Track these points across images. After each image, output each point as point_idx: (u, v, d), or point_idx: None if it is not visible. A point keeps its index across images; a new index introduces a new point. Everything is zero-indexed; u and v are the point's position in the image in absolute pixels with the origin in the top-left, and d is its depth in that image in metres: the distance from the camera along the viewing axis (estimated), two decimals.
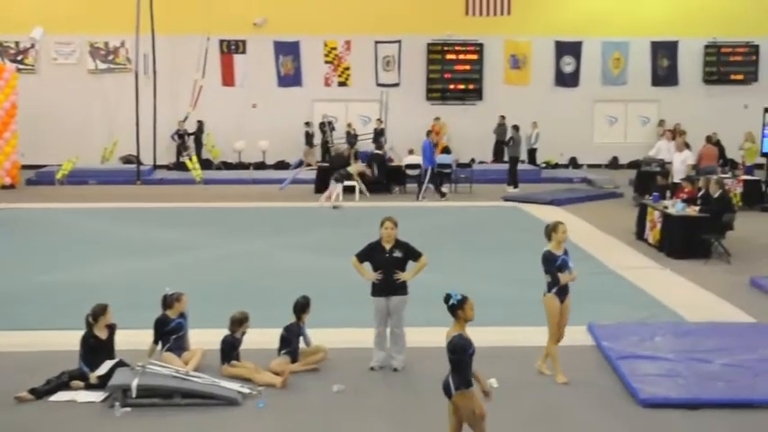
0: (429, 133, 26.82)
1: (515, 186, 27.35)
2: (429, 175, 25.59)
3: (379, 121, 30.84)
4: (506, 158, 29.43)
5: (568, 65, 33.41)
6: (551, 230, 10.28)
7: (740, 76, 33.40)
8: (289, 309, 10.77)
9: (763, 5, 32.83)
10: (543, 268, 10.22)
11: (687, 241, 17.23)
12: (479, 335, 11.82)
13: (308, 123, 31.40)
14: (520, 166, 28.49)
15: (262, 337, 10.86)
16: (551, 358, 10.31)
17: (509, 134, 28.87)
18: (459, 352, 7.66)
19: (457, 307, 7.78)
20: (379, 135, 29.72)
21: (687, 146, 23.02)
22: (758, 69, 33.39)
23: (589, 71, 33.39)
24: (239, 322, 10.49)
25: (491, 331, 12.01)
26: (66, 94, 31.78)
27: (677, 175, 21.58)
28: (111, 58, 32.47)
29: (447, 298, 7.80)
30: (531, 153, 31.99)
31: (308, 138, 31.90)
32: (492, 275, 15.61)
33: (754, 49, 33.25)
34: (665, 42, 33.24)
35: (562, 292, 10.20)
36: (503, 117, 31.99)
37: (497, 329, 12.00)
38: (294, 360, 10.53)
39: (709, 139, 27.61)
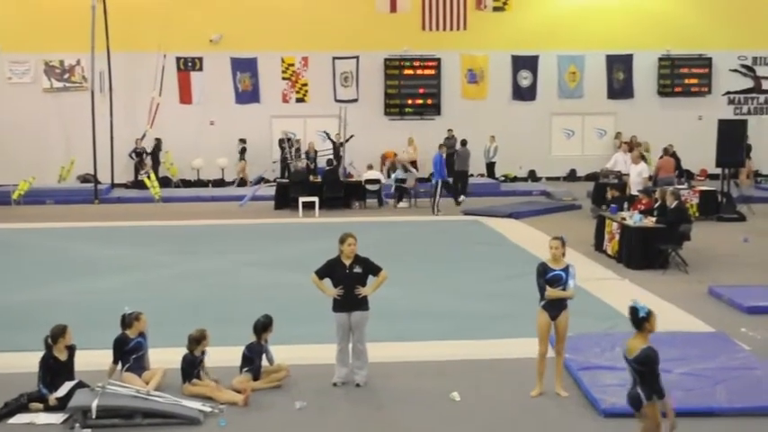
0: (441, 147, 26.63)
1: (458, 198, 27.35)
2: (439, 188, 25.50)
3: (337, 135, 30.89)
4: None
5: (525, 79, 33.64)
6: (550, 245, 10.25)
7: (694, 89, 33.81)
8: (250, 326, 10.73)
9: (716, 18, 33.30)
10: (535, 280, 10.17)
11: (645, 252, 17.40)
12: (432, 349, 11.94)
13: (287, 139, 31.23)
14: (479, 180, 28.57)
15: (223, 355, 10.81)
16: (537, 372, 10.20)
17: (492, 148, 29.01)
18: (651, 363, 7.70)
19: (645, 320, 7.82)
20: (336, 151, 29.82)
21: (643, 158, 23.35)
22: (711, 81, 33.81)
23: (546, 85, 33.63)
24: (197, 340, 10.42)
25: (445, 345, 12.10)
26: (22, 113, 31.41)
27: (634, 186, 21.83)
28: (66, 76, 32.18)
29: (634, 311, 7.82)
30: (490, 167, 32.20)
31: (242, 153, 32.05)
32: (451, 289, 15.66)
33: (706, 62, 33.67)
34: (620, 56, 33.58)
35: (552, 307, 10.02)
36: (450, 131, 32.20)
37: (452, 343, 12.08)
38: (256, 378, 10.49)
39: (666, 151, 27.96)
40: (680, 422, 9.26)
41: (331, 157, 28.54)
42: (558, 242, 10.24)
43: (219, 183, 32.04)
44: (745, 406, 9.65)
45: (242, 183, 31.91)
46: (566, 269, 10.04)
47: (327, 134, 30.28)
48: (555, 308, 10.01)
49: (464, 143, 28.58)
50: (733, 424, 9.39)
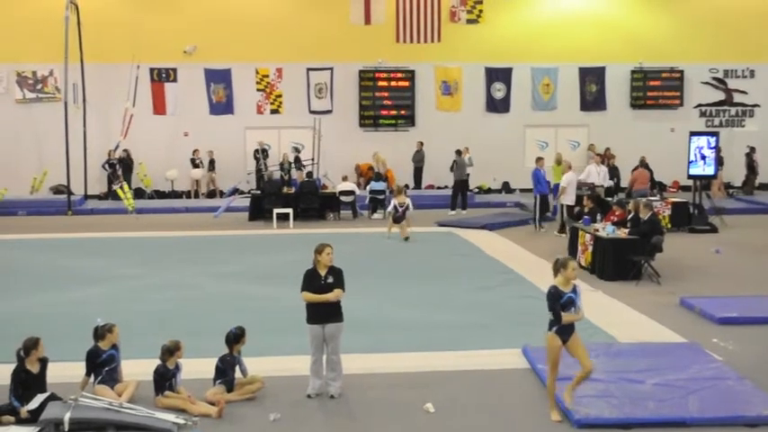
0: (539, 160, 25.67)
1: (453, 209, 27.60)
2: (540, 203, 24.79)
3: (297, 149, 31.01)
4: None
5: (499, 91, 33.78)
6: (560, 266, 9.70)
7: (666, 101, 34.05)
8: (223, 337, 10.70)
9: (687, 32, 33.61)
10: (547, 304, 9.70)
11: (618, 263, 17.50)
12: (406, 360, 11.95)
13: (262, 150, 31.18)
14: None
15: (197, 367, 10.77)
16: (548, 394, 9.96)
17: (466, 158, 29.01)
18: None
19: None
20: (298, 161, 30.05)
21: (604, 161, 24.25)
22: (683, 94, 34.08)
23: (519, 97, 33.78)
24: (170, 351, 10.37)
25: (419, 356, 12.11)
26: None
27: (564, 197, 23.24)
28: (39, 87, 32.02)
29: None
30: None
31: (211, 164, 32.10)
32: (426, 300, 15.66)
33: (678, 74, 33.96)
34: (593, 68, 33.79)
35: (564, 331, 9.67)
36: (421, 143, 32.31)
37: (426, 354, 12.11)
38: (230, 390, 10.46)
39: (641, 163, 28.16)
40: None
41: (311, 169, 28.57)
42: (576, 263, 9.91)
43: (195, 194, 31.99)
44: (718, 416, 9.71)
45: (211, 194, 31.91)
46: (574, 290, 9.72)
47: (297, 148, 30.50)
48: (567, 332, 9.69)
49: (459, 153, 28.55)
50: None
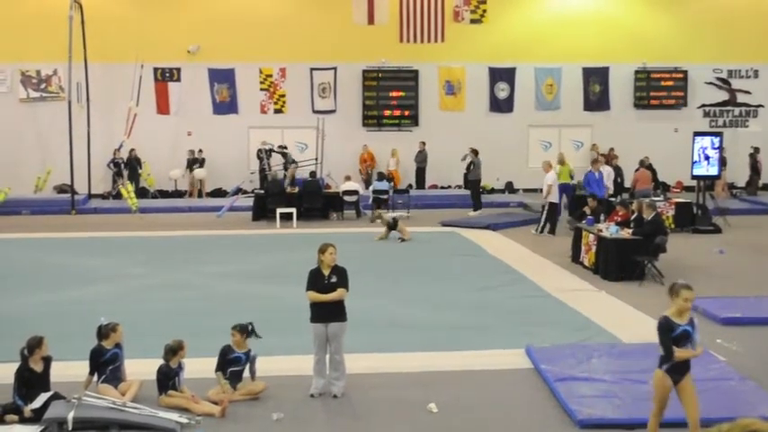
0: (595, 163, 25.46)
1: (476, 210, 27.64)
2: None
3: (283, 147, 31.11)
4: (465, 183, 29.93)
5: (503, 90, 33.76)
6: (672, 293, 8.56)
7: (670, 101, 34.03)
8: (225, 337, 10.70)
9: (691, 32, 33.59)
10: (658, 338, 8.49)
11: (621, 263, 17.49)
12: (410, 360, 11.94)
13: (264, 151, 31.18)
14: (457, 192, 28.67)
15: (200, 366, 10.77)
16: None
17: (468, 159, 28.86)
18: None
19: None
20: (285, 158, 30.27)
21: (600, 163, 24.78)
22: (687, 94, 34.05)
23: (523, 97, 33.76)
24: (174, 351, 10.38)
25: (423, 356, 12.12)
26: None
27: (549, 197, 23.63)
28: (43, 86, 32.05)
29: None
30: (467, 178, 32.26)
31: (191, 163, 32.03)
32: (429, 300, 15.67)
33: (682, 75, 33.92)
34: (597, 68, 33.76)
35: (676, 370, 8.44)
36: (423, 143, 32.29)
37: (429, 354, 12.14)
38: (235, 385, 10.44)
39: (642, 163, 28.13)
40: None
41: (314, 169, 28.59)
42: (692, 293, 8.57)
43: (199, 194, 32.01)
44: (721, 416, 9.68)
45: (198, 194, 31.95)
46: (691, 323, 8.46)
47: (281, 146, 30.62)
48: (679, 371, 8.47)
49: (476, 153, 28.44)
50: None
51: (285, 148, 30.75)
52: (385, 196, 27.47)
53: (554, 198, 23.64)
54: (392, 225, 22.72)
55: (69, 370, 10.64)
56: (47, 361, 10.12)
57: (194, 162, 31.93)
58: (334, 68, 32.98)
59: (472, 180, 28.58)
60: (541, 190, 24.67)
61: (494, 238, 22.91)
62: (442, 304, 15.34)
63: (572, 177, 26.49)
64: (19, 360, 10.07)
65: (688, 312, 8.47)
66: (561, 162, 26.12)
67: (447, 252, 20.97)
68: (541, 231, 23.40)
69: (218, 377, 10.44)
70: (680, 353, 8.32)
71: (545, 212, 23.62)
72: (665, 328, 8.35)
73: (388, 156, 32.51)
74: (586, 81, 33.90)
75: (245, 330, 10.66)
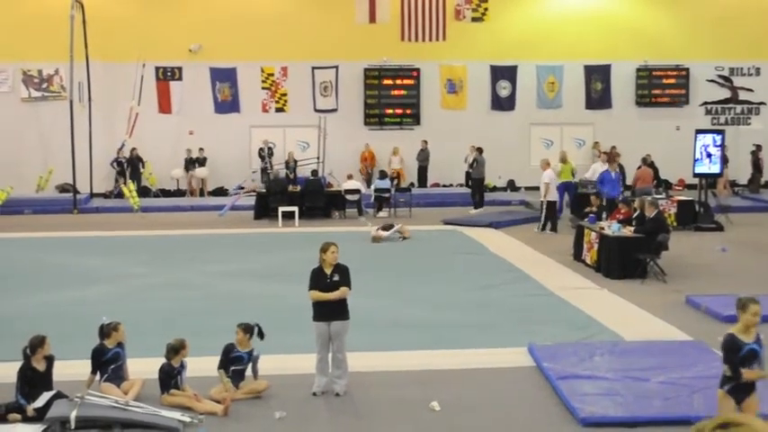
0: (611, 162, 25.28)
1: (476, 208, 27.62)
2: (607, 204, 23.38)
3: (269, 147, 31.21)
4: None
5: (504, 89, 33.74)
6: (739, 308, 8.06)
7: (671, 99, 34.00)
8: (228, 336, 10.71)
9: (693, 29, 33.54)
10: (723, 356, 8.15)
11: (623, 261, 17.48)
12: (412, 359, 11.95)
13: (266, 150, 31.20)
14: (458, 190, 28.66)
15: (202, 365, 10.78)
16: None
17: (471, 157, 28.86)
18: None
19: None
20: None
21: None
22: (688, 92, 34.02)
23: (525, 95, 33.73)
24: (176, 350, 10.40)
25: (425, 354, 12.12)
26: None
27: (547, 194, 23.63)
28: (44, 86, 32.04)
29: None
30: (469, 176, 32.22)
31: (189, 163, 32.00)
32: (431, 298, 15.66)
33: (684, 72, 33.90)
34: (598, 66, 33.73)
35: (740, 390, 8.04)
36: (425, 142, 32.29)
37: (432, 353, 12.14)
38: (237, 384, 10.45)
39: (644, 161, 28.11)
40: (658, 431, 9.36)
41: (315, 167, 28.61)
42: (759, 307, 8.03)
43: (201, 193, 32.01)
44: None
45: (200, 193, 31.94)
46: (758, 340, 7.99)
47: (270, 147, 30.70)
48: (744, 391, 8.09)
49: (480, 151, 28.43)
50: None
51: (269, 150, 30.83)
52: (386, 195, 27.49)
53: (552, 196, 23.55)
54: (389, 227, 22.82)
55: (72, 369, 10.65)
56: (49, 360, 10.14)
57: (192, 162, 31.92)
58: (336, 67, 32.97)
59: (475, 178, 28.60)
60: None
61: (496, 237, 22.91)
62: (443, 303, 15.34)
63: (574, 175, 26.49)
64: (22, 359, 10.08)
65: (755, 328, 8.02)
66: (563, 160, 26.13)
67: (449, 250, 20.96)
68: (543, 229, 23.41)
69: (220, 375, 10.46)
70: (748, 373, 7.93)
71: (544, 211, 23.62)
72: (733, 347, 7.92)
73: (389, 154, 32.49)
74: (588, 79, 33.86)
75: (250, 330, 10.67)
